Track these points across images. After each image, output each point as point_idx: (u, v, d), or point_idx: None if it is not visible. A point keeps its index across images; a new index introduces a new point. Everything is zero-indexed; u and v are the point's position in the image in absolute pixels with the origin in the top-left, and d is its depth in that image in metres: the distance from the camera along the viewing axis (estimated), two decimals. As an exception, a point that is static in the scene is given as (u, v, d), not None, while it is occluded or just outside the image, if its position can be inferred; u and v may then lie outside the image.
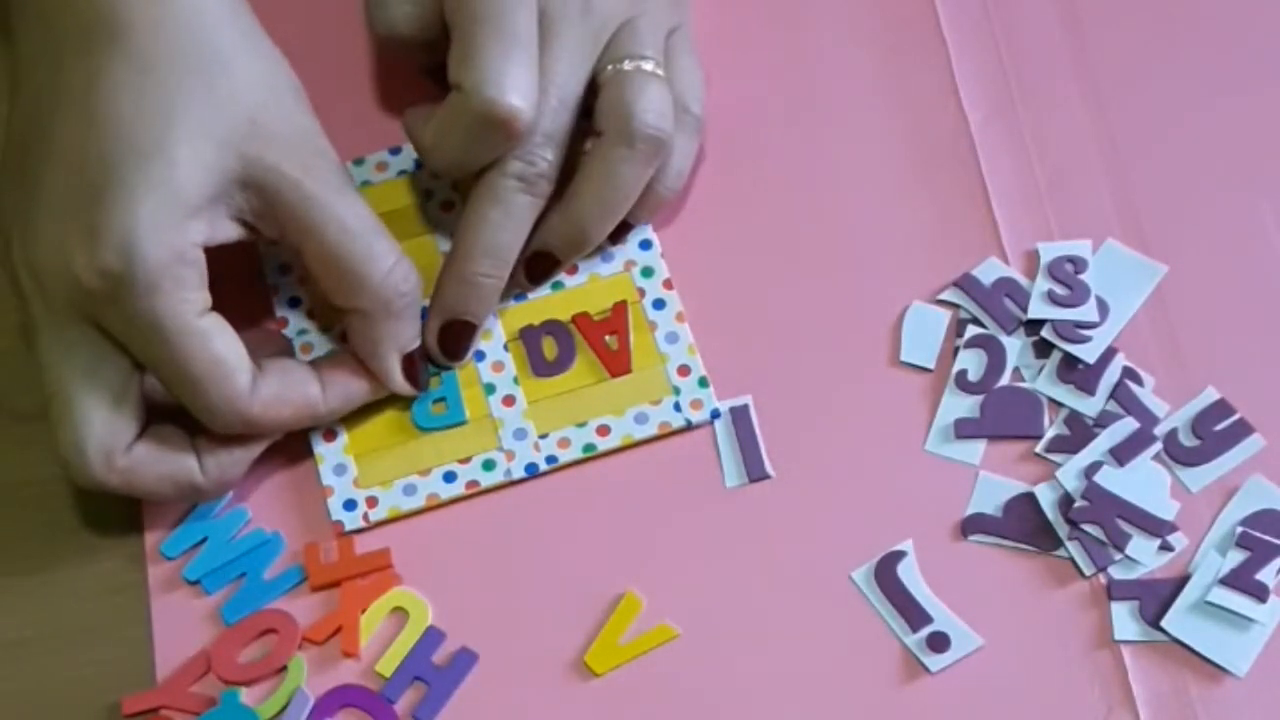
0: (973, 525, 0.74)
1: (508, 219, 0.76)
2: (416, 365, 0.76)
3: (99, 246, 0.69)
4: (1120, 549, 0.73)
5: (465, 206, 0.77)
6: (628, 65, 0.76)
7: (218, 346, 0.71)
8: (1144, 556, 0.73)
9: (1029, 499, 0.74)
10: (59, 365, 0.72)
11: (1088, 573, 0.73)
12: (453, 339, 0.77)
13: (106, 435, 0.72)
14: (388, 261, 0.74)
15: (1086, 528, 0.73)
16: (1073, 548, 0.73)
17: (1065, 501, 0.74)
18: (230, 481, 0.75)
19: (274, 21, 0.84)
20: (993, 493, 0.75)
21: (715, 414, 0.77)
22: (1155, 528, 0.73)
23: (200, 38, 0.71)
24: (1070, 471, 0.75)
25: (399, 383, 0.76)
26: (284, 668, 0.74)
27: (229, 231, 0.72)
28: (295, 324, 0.79)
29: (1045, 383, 0.76)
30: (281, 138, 0.72)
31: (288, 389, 0.74)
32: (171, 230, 0.70)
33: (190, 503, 0.76)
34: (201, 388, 0.72)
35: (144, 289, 0.70)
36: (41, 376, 0.73)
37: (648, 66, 0.76)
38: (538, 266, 0.78)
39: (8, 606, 0.76)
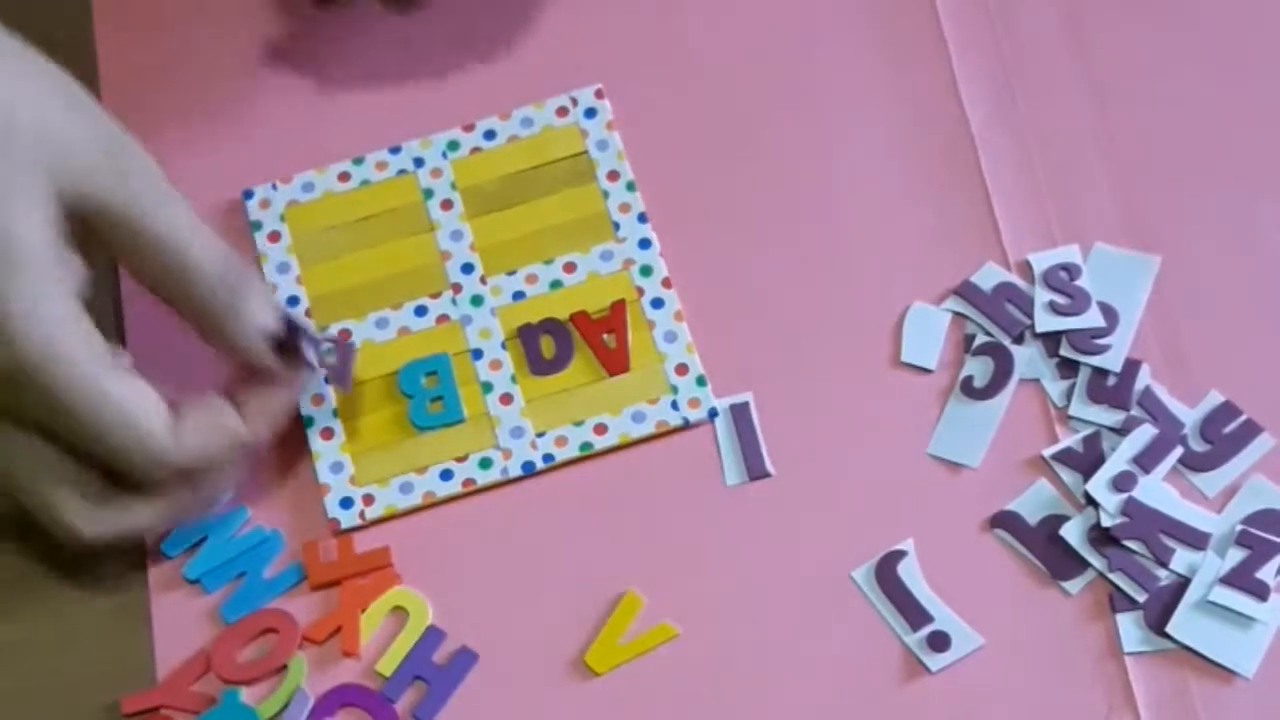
0: (1003, 521, 0.74)
1: None
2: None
3: None
4: (1165, 564, 0.72)
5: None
6: None
7: (126, 397, 0.70)
8: (1188, 570, 0.72)
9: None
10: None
11: (1139, 600, 0.72)
12: None
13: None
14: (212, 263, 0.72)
15: (1129, 544, 0.73)
16: (1117, 578, 0.72)
17: (1095, 531, 0.73)
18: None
19: (272, 21, 0.85)
20: (1040, 502, 0.74)
21: (713, 413, 0.76)
22: (1195, 540, 0.73)
23: None
24: (1100, 483, 0.74)
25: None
26: (284, 667, 0.74)
27: (80, 270, 0.71)
28: (294, 324, 0.79)
29: (1079, 407, 0.75)
30: (84, 160, 0.69)
31: (208, 428, 0.72)
32: (50, 301, 0.68)
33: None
34: (118, 439, 0.70)
35: (40, 361, 0.68)
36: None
37: None
38: None
39: (8, 607, 0.76)
